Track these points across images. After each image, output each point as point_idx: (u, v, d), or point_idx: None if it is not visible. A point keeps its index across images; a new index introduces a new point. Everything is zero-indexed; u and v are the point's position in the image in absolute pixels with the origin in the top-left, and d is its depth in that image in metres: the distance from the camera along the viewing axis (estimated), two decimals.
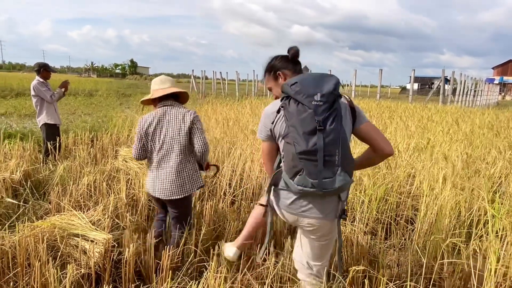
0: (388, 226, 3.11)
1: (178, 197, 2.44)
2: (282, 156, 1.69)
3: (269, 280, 1.96)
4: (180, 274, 2.17)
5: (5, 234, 2.40)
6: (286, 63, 1.84)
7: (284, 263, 2.23)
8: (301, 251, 1.86)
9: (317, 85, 1.54)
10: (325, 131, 1.48)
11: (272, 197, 1.78)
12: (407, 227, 3.10)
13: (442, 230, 2.62)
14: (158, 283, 2.16)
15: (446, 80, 19.70)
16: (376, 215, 3.13)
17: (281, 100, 1.64)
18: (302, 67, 1.90)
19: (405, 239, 2.87)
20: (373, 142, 1.71)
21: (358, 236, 2.67)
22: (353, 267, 1.92)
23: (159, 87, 2.48)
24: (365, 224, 3.02)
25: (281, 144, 1.67)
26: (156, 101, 2.49)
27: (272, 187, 1.76)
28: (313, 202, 1.65)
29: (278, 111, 1.63)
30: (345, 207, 1.71)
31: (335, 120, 1.51)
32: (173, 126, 2.40)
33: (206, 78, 28.82)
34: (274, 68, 1.86)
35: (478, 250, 2.23)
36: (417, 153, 4.51)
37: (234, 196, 3.66)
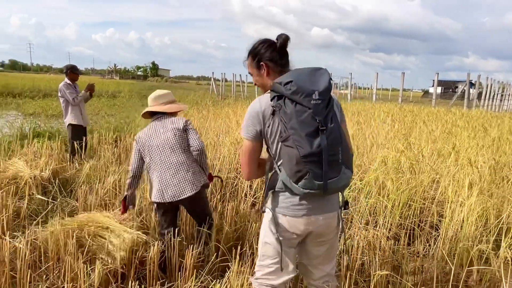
0: (411, 231, 3.06)
1: (191, 193, 2.47)
2: (278, 159, 1.57)
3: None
4: (203, 273, 2.20)
5: (37, 229, 2.50)
6: (273, 54, 1.66)
7: None
8: (307, 261, 1.76)
9: (313, 82, 1.47)
10: (327, 131, 1.43)
11: (270, 205, 1.66)
12: (431, 233, 3.04)
13: (468, 237, 2.55)
14: (182, 281, 2.20)
15: (471, 84, 19.16)
16: (399, 220, 3.09)
17: (271, 100, 1.52)
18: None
19: (429, 245, 2.81)
20: None
21: (381, 241, 2.64)
22: (377, 272, 1.90)
23: (156, 103, 2.68)
24: (388, 229, 2.98)
25: (276, 146, 1.57)
26: (152, 114, 2.71)
27: (271, 192, 1.63)
28: (319, 200, 1.59)
29: (273, 113, 1.52)
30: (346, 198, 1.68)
31: (333, 117, 1.48)
32: (169, 130, 2.55)
33: (226, 80, 29.04)
34: (258, 56, 1.68)
35: (510, 259, 2.16)
36: (442, 158, 4.41)
37: (255, 198, 3.68)
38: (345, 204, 1.66)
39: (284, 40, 1.65)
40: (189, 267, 2.31)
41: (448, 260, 2.33)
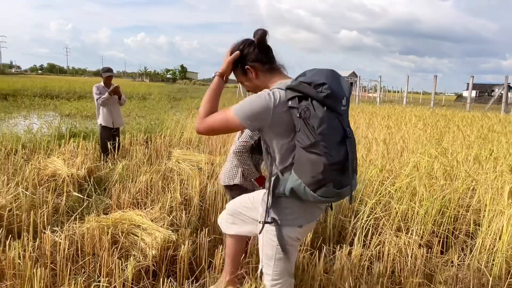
0: (445, 240, 2.96)
1: (223, 183, 2.53)
2: (286, 162, 1.46)
3: None
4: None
5: (75, 225, 2.61)
6: (257, 53, 1.55)
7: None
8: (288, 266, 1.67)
9: (341, 87, 1.40)
10: (350, 139, 1.41)
11: (275, 215, 1.54)
12: (466, 242, 2.92)
13: (508, 248, 2.44)
14: (211, 280, 2.23)
15: (509, 87, 18.27)
16: (432, 227, 2.99)
17: (289, 99, 1.39)
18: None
19: (464, 255, 2.71)
20: None
21: (413, 248, 2.57)
22: (410, 279, 1.85)
23: None
24: (420, 236, 2.90)
25: (286, 149, 1.45)
26: None
27: (272, 196, 1.51)
28: (315, 205, 1.57)
29: (300, 115, 1.36)
30: None
31: (349, 125, 1.46)
32: None
33: None
34: (240, 61, 1.58)
35: None
36: (478, 164, 4.24)
37: None
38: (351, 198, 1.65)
39: (260, 35, 1.54)
40: (218, 267, 2.35)
41: (485, 271, 2.24)
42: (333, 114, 1.37)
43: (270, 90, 1.46)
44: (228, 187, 2.52)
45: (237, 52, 1.57)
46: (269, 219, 1.53)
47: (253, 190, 2.51)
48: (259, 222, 1.60)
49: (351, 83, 52.66)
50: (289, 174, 1.43)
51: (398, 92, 42.05)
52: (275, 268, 1.61)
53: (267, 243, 1.59)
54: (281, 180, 1.47)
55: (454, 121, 9.26)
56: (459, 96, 45.96)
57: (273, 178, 1.50)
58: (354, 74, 63.30)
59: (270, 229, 1.56)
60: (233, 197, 2.67)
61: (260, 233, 1.61)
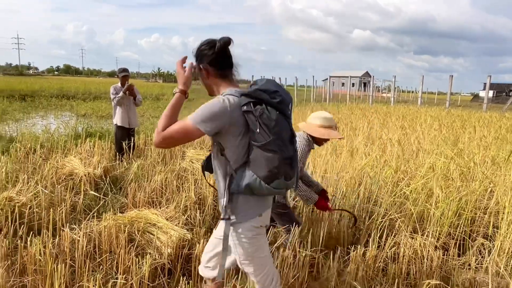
0: (461, 242, 2.92)
1: None
2: (241, 161, 1.59)
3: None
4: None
5: (92, 223, 2.67)
6: (214, 58, 1.63)
7: None
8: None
9: (287, 94, 1.63)
10: (295, 138, 1.67)
11: (234, 212, 1.65)
12: (484, 245, 2.87)
13: None
14: (225, 280, 2.24)
15: None
16: (448, 229, 2.95)
17: (244, 104, 1.53)
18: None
19: (482, 257, 2.66)
20: None
21: (429, 250, 2.54)
22: (427, 281, 1.83)
23: (325, 124, 2.59)
24: (436, 238, 2.86)
25: (242, 149, 1.57)
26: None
27: (227, 195, 1.63)
28: (268, 197, 1.74)
29: (257, 118, 1.51)
30: None
31: None
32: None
33: None
34: (199, 59, 1.67)
35: None
36: (496, 166, 4.15)
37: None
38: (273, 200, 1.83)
39: (223, 44, 1.62)
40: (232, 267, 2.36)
41: (505, 274, 2.19)
42: (283, 117, 1.58)
43: (224, 96, 1.58)
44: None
45: (192, 64, 1.68)
46: (226, 216, 1.66)
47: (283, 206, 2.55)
48: (220, 219, 1.72)
49: (364, 83, 52.04)
50: (242, 172, 1.58)
51: (412, 92, 41.47)
52: (255, 262, 1.73)
53: (238, 243, 1.69)
54: (235, 178, 1.60)
55: (471, 122, 9.08)
56: (476, 96, 45.02)
57: (226, 178, 1.64)
58: (367, 74, 62.63)
59: (236, 229, 1.68)
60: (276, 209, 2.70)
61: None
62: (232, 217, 1.66)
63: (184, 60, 1.68)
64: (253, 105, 1.53)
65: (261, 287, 1.79)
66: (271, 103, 1.54)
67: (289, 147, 1.59)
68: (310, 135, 2.61)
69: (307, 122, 2.67)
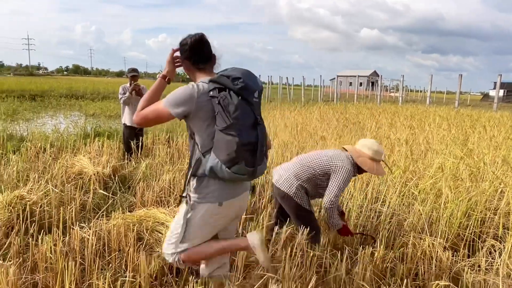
0: (471, 243, 2.89)
1: (283, 189, 2.55)
2: (208, 145, 1.68)
3: None
4: (255, 272, 2.24)
5: (101, 221, 2.70)
6: (189, 53, 1.78)
7: None
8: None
9: (254, 82, 1.68)
10: (261, 126, 1.69)
11: (193, 191, 1.76)
12: (494, 246, 2.84)
13: None
14: (234, 279, 2.25)
15: None
16: (457, 230, 2.92)
17: (210, 90, 1.65)
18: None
19: (492, 259, 2.63)
20: None
21: (438, 251, 2.52)
22: (436, 282, 1.82)
23: (376, 158, 2.56)
24: (445, 239, 2.83)
25: (207, 133, 1.67)
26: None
27: (194, 178, 1.74)
28: (235, 185, 1.78)
29: (219, 102, 1.62)
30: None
31: (261, 116, 1.73)
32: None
33: (272, 83, 29.18)
34: (181, 54, 1.81)
35: None
36: (506, 166, 4.10)
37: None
38: (252, 188, 1.91)
39: (194, 40, 1.75)
40: (240, 265, 2.36)
41: None
42: (246, 103, 1.63)
43: (194, 83, 1.72)
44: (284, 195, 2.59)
45: (172, 51, 1.83)
46: (184, 194, 1.79)
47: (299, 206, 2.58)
48: (180, 196, 1.87)
49: (372, 83, 51.62)
50: (209, 155, 1.67)
51: (420, 91, 41.10)
52: (188, 228, 1.81)
53: (190, 220, 1.80)
54: (203, 161, 1.70)
55: (481, 122, 8.98)
56: (485, 96, 44.42)
57: (194, 161, 1.73)
58: (375, 74, 62.20)
59: (193, 208, 1.77)
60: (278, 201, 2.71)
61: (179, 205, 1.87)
62: (193, 197, 1.75)
63: (174, 51, 1.84)
64: (219, 91, 1.63)
65: (169, 244, 1.88)
66: (232, 89, 1.61)
67: (251, 133, 1.63)
68: (356, 162, 2.54)
69: (356, 148, 2.60)
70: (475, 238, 2.88)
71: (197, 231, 1.83)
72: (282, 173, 2.64)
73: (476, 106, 20.35)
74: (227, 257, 2.13)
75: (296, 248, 2.46)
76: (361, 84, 43.95)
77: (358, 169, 2.58)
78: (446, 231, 2.88)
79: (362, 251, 2.44)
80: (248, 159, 1.63)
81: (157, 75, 1.87)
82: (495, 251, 2.72)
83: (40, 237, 2.24)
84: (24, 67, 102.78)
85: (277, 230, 2.69)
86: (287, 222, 2.74)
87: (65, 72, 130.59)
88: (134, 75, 5.19)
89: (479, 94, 63.74)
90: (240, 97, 1.61)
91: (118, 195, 3.70)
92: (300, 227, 2.53)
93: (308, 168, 2.57)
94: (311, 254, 2.39)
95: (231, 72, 1.68)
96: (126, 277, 2.05)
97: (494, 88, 19.60)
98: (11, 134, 6.89)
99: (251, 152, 1.63)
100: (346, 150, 2.65)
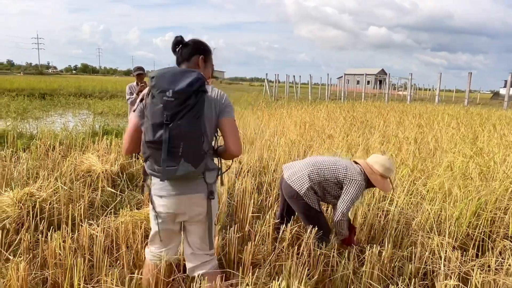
0: (481, 243, 2.85)
1: (294, 187, 2.56)
2: None
3: None
4: (263, 271, 2.24)
5: (109, 218, 2.72)
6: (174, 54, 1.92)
7: None
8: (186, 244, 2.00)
9: (172, 81, 1.63)
10: (171, 126, 1.60)
11: (150, 184, 1.86)
12: (505, 246, 2.80)
13: None
14: (239, 277, 2.25)
15: None
16: (466, 230, 2.89)
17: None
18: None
19: (502, 259, 2.60)
20: (225, 138, 1.83)
21: (446, 251, 2.49)
22: (445, 281, 1.80)
23: (386, 175, 2.60)
24: (453, 239, 2.80)
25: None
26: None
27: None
28: (176, 184, 1.79)
29: (141, 101, 1.77)
30: (213, 189, 1.85)
31: (185, 116, 1.61)
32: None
33: (279, 81, 29.13)
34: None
35: None
36: None
37: None
38: (210, 194, 1.84)
39: (172, 43, 1.90)
40: (247, 263, 2.37)
41: None
42: (156, 102, 1.62)
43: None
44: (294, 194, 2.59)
45: None
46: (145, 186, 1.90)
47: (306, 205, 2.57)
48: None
49: (380, 81, 51.09)
50: None
51: (429, 90, 40.67)
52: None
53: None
54: None
55: (491, 120, 8.86)
56: (496, 94, 43.77)
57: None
58: (383, 72, 61.72)
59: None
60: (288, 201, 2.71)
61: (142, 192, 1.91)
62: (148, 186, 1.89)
63: None
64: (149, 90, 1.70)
65: None
66: (150, 88, 1.66)
67: (157, 132, 1.61)
68: (369, 179, 2.57)
69: (368, 162, 2.63)
70: (485, 238, 2.85)
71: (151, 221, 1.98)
72: (295, 171, 2.64)
73: (486, 104, 20.07)
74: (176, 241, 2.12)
75: (303, 247, 2.45)
76: (368, 82, 43.64)
77: (367, 184, 2.61)
78: (455, 230, 2.85)
79: (369, 250, 2.43)
80: (156, 158, 1.64)
81: None
82: (505, 251, 2.68)
83: (49, 234, 2.27)
84: (34, 66, 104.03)
85: (283, 228, 2.69)
86: (291, 220, 2.73)
87: (74, 71, 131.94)
88: (140, 73, 5.22)
89: (489, 92, 62.88)
90: (151, 97, 1.65)
91: (126, 193, 3.73)
92: (309, 227, 2.52)
93: (321, 172, 2.58)
94: (318, 253, 2.38)
95: (155, 71, 1.74)
96: (134, 274, 2.07)
97: (505, 86, 19.32)
98: (21, 132, 6.99)
99: (156, 150, 1.64)
100: (357, 163, 2.67)
